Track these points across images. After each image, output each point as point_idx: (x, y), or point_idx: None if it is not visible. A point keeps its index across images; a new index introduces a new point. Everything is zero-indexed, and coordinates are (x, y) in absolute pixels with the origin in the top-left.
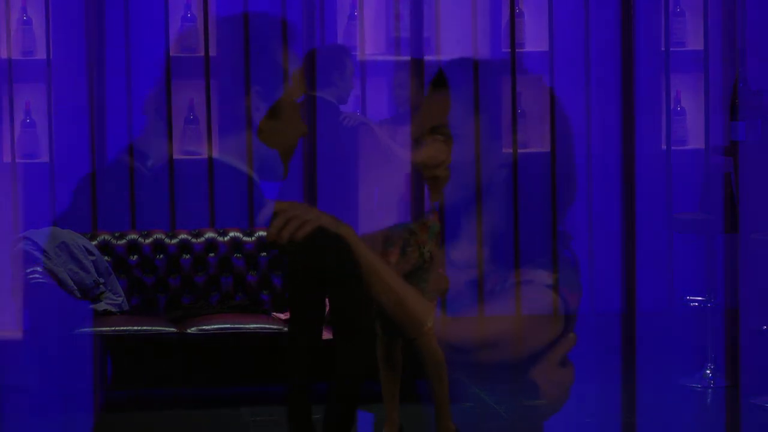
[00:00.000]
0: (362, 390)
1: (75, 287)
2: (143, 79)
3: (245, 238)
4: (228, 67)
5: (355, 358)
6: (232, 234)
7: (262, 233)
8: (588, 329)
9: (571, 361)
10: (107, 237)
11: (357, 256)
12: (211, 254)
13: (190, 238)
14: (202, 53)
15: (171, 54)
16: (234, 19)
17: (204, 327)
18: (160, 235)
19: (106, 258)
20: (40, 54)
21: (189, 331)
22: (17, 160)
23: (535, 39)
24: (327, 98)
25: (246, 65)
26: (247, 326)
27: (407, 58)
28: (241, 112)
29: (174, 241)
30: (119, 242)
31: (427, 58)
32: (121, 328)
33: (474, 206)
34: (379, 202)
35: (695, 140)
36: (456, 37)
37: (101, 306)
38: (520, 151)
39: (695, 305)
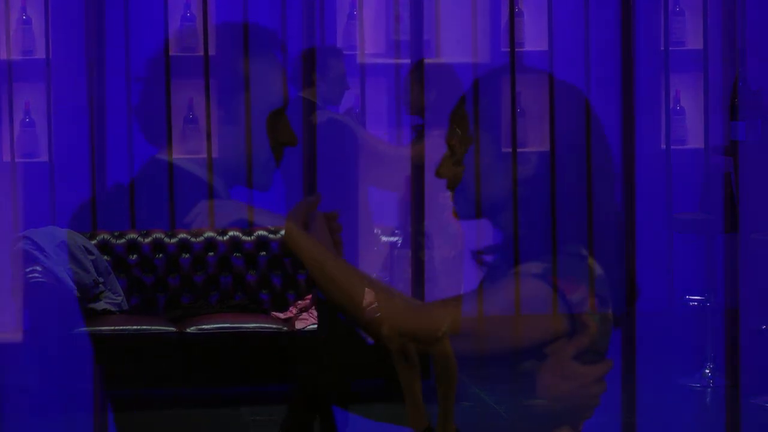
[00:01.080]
0: (366, 390)
1: (74, 287)
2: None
3: (245, 238)
4: (228, 66)
5: (332, 365)
6: (231, 233)
7: (262, 232)
8: None
9: (607, 358)
10: (106, 236)
11: (300, 258)
12: (211, 253)
13: (189, 237)
14: (202, 53)
15: (171, 53)
16: (231, 21)
17: (203, 326)
18: (159, 235)
19: (105, 257)
20: (40, 54)
21: (188, 330)
22: (17, 160)
23: (534, 39)
24: (307, 98)
25: (246, 65)
26: (246, 326)
27: (407, 60)
28: (241, 112)
29: (173, 240)
30: (118, 241)
31: (427, 60)
32: (121, 327)
33: (497, 218)
34: (377, 202)
35: (695, 140)
36: (455, 37)
37: (100, 305)
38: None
39: (695, 305)
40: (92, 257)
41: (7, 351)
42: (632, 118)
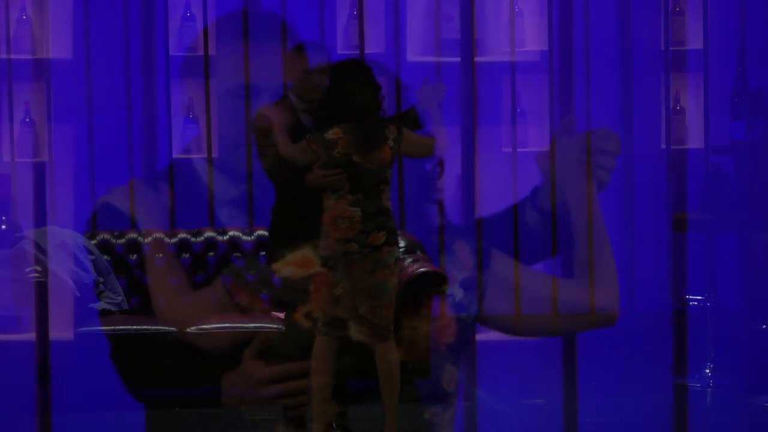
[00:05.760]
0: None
1: (74, 287)
2: (143, 79)
3: (244, 237)
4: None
5: None
6: (231, 233)
7: (262, 232)
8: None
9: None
10: (107, 236)
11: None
12: (211, 253)
13: (189, 237)
14: (202, 53)
15: (171, 53)
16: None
17: (203, 326)
18: (159, 235)
19: (105, 257)
20: (40, 53)
21: (188, 330)
22: (17, 160)
23: (535, 39)
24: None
25: (246, 64)
26: (246, 325)
27: (458, 58)
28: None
29: (173, 240)
30: (119, 241)
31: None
32: (121, 327)
33: None
34: None
35: (695, 140)
36: (498, 37)
37: (100, 305)
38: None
39: (695, 305)
40: (92, 257)
41: (7, 350)
42: (632, 118)
